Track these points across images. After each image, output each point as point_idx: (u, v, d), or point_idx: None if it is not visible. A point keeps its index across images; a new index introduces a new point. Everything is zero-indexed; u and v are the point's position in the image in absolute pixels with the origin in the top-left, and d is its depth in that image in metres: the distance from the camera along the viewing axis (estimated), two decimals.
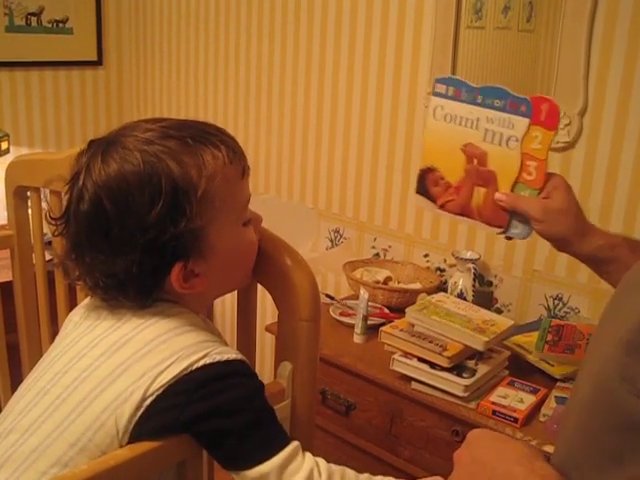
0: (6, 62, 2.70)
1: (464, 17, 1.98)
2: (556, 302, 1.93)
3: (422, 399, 1.64)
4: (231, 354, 0.92)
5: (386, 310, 1.99)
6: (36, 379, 0.94)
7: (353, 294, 2.12)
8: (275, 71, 2.47)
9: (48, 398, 0.90)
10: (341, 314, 2.00)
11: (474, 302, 1.87)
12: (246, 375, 0.93)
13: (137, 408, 0.85)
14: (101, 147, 0.91)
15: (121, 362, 0.88)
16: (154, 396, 0.86)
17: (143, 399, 0.85)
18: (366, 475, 0.96)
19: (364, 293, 1.86)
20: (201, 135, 0.93)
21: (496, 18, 1.97)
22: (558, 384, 1.63)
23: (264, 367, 2.51)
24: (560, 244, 1.17)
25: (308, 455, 0.92)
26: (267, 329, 1.95)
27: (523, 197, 1.17)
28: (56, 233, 0.95)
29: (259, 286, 1.07)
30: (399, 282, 2.13)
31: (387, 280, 2.10)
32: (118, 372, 0.87)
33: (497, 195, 1.19)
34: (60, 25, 2.82)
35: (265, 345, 2.47)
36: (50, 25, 2.79)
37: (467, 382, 1.57)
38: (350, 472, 0.96)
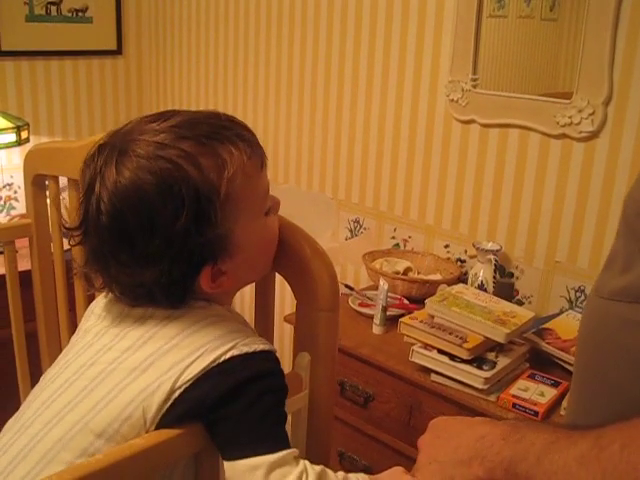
0: (26, 51, 2.71)
1: (486, 6, 1.95)
2: (578, 294, 1.91)
3: (441, 391, 1.63)
4: (259, 344, 0.90)
5: (405, 301, 1.97)
6: (59, 371, 0.93)
7: (372, 285, 2.11)
8: (295, 61, 2.45)
9: (72, 390, 0.89)
10: (360, 305, 1.98)
11: (494, 293, 1.85)
12: (270, 365, 0.92)
13: (165, 400, 0.85)
14: (113, 154, 0.87)
15: (148, 355, 0.87)
16: (182, 389, 0.85)
17: (172, 391, 0.85)
18: (342, 474, 0.92)
19: (384, 284, 1.85)
20: (216, 131, 0.89)
21: (519, 7, 1.94)
22: None
23: (283, 357, 2.48)
24: None
25: (302, 463, 0.89)
26: (286, 319, 1.94)
27: None
28: (72, 243, 0.92)
29: (278, 276, 1.06)
30: (419, 273, 2.11)
31: (407, 271, 2.08)
32: (145, 365, 0.87)
33: None
34: (80, 14, 2.82)
35: (284, 335, 2.47)
36: (70, 14, 2.79)
37: (487, 374, 1.55)
38: (330, 474, 0.91)
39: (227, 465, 0.86)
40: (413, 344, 1.68)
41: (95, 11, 2.85)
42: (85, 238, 0.90)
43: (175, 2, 2.87)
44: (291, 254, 0.99)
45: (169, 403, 0.85)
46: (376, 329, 1.85)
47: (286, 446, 0.87)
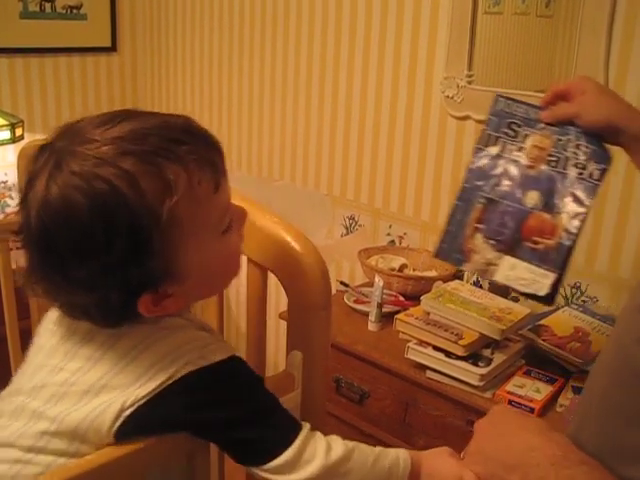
0: (20, 48, 2.70)
1: (482, 2, 1.94)
2: (574, 291, 1.90)
3: (437, 388, 1.62)
4: (216, 354, 0.85)
5: (401, 298, 1.97)
6: (17, 391, 0.89)
7: (368, 282, 2.10)
8: (290, 58, 2.45)
9: (26, 413, 0.85)
10: (356, 302, 1.98)
11: (490, 290, 1.84)
12: (233, 376, 0.87)
13: (115, 419, 0.81)
14: (48, 163, 0.78)
15: (99, 377, 0.83)
16: (134, 407, 0.81)
17: (122, 410, 0.81)
18: (379, 448, 0.93)
19: (379, 281, 1.85)
20: (165, 147, 0.78)
21: (514, 3, 1.94)
22: (575, 374, 1.61)
23: (278, 356, 2.50)
24: (611, 130, 1.13)
25: (319, 439, 0.89)
26: (281, 316, 1.93)
27: (562, 105, 1.19)
28: (18, 246, 0.84)
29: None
30: (414, 270, 2.11)
31: (402, 267, 2.08)
32: (97, 388, 0.83)
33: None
34: (74, 11, 2.81)
35: (280, 333, 2.46)
36: (64, 11, 2.78)
37: (483, 371, 1.55)
38: (364, 447, 0.92)
39: (254, 469, 0.87)
40: (408, 341, 1.67)
41: (89, 8, 2.84)
42: (24, 246, 0.82)
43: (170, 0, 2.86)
44: (282, 251, 0.98)
45: (119, 421, 0.81)
46: (371, 326, 1.85)
47: (295, 429, 0.88)
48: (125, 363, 0.83)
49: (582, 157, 1.17)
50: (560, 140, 1.19)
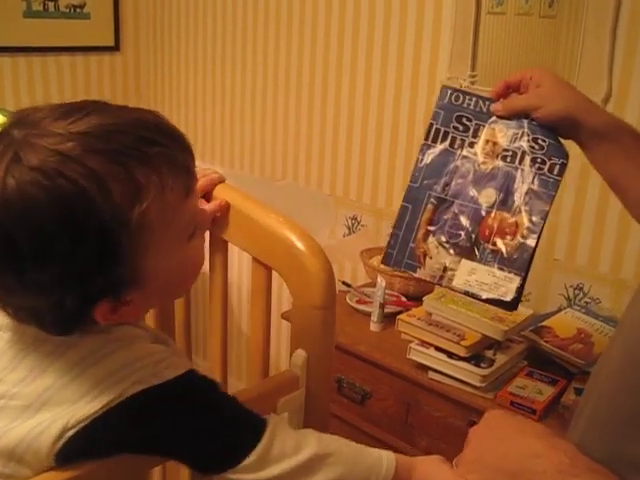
0: (23, 47, 2.69)
1: (485, 2, 1.94)
2: (576, 292, 1.90)
3: (439, 389, 1.62)
4: (170, 370, 0.80)
5: (403, 298, 1.97)
6: None
7: (370, 282, 2.10)
8: (293, 57, 2.44)
9: None
10: (358, 302, 1.98)
11: None
12: (187, 392, 0.82)
13: (57, 439, 0.75)
14: (7, 153, 0.71)
15: (42, 391, 0.77)
16: (77, 427, 0.75)
17: (64, 430, 0.75)
18: (362, 446, 0.90)
19: (381, 281, 1.84)
20: (137, 147, 0.72)
21: (517, 3, 1.93)
22: (577, 375, 1.61)
23: (280, 355, 2.50)
24: (569, 123, 1.08)
25: (288, 434, 0.85)
26: (283, 316, 1.93)
27: (516, 97, 1.13)
28: None
29: (274, 272, 1.06)
30: None
31: None
32: (38, 404, 0.76)
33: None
34: (77, 10, 2.80)
35: (282, 333, 2.46)
36: (67, 10, 2.78)
37: (485, 372, 1.55)
38: (343, 444, 0.89)
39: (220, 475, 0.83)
40: (410, 341, 1.67)
41: (92, 7, 2.84)
42: None
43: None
44: (286, 250, 0.98)
45: (61, 442, 0.75)
46: (373, 326, 1.85)
47: (260, 428, 0.83)
48: (71, 377, 0.77)
49: (540, 152, 1.10)
50: (515, 134, 1.12)
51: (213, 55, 2.74)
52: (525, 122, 1.11)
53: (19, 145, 0.70)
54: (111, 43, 2.93)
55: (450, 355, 1.59)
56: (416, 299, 1.90)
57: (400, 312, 1.81)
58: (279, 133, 2.56)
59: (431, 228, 1.11)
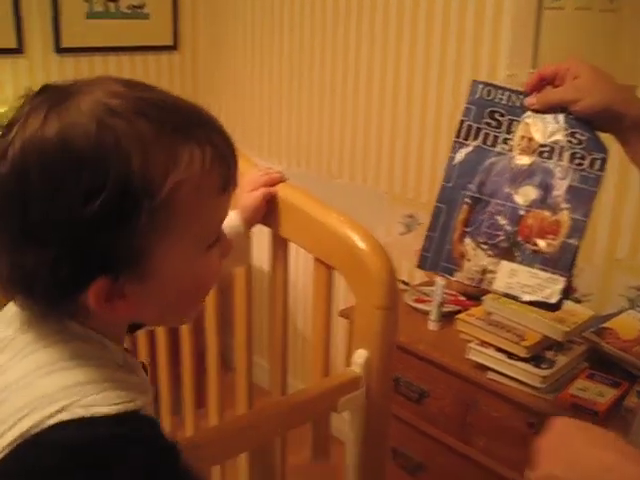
0: (86, 48, 2.75)
1: None
2: (638, 293, 1.86)
3: (498, 389, 1.60)
4: (110, 405, 0.66)
5: (461, 297, 1.95)
6: None
7: (427, 280, 2.09)
8: (351, 55, 2.44)
9: None
10: (416, 300, 1.97)
11: None
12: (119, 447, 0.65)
13: None
14: (51, 98, 0.68)
15: None
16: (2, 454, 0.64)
17: None
18: None
19: (440, 280, 1.83)
20: (185, 125, 0.70)
21: None
22: None
23: (337, 353, 2.49)
24: (608, 116, 1.03)
25: None
26: (341, 314, 1.94)
27: (551, 90, 1.07)
28: None
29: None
30: None
31: None
32: None
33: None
34: (137, 10, 2.86)
35: (338, 330, 2.46)
36: (128, 11, 2.83)
37: (545, 373, 1.53)
38: None
39: None
40: (469, 341, 1.66)
41: (152, 7, 2.89)
42: None
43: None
44: (348, 250, 0.99)
45: None
46: (432, 325, 1.84)
47: None
48: (19, 386, 0.68)
49: (578, 147, 1.05)
50: (551, 129, 1.07)
51: (270, 54, 2.75)
52: (562, 116, 1.06)
53: (72, 90, 0.69)
54: (170, 42, 2.98)
55: (510, 355, 1.58)
56: (474, 298, 1.88)
57: (458, 311, 1.80)
58: (336, 131, 2.56)
59: (467, 229, 1.08)
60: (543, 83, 1.08)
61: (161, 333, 1.48)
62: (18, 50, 2.60)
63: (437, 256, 1.09)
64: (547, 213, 1.04)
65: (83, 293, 0.68)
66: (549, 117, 1.07)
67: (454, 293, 1.96)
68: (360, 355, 0.99)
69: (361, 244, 0.97)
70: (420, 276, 2.23)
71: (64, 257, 0.66)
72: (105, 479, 0.63)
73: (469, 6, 2.08)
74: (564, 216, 1.04)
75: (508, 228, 1.05)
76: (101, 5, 2.75)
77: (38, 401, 0.65)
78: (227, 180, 0.73)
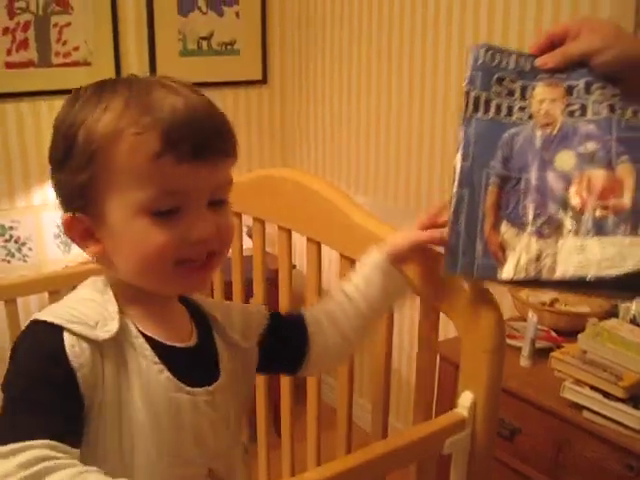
0: None
1: None
2: None
3: (594, 429, 1.58)
4: (47, 315, 0.82)
5: (553, 333, 1.93)
6: None
7: (517, 315, 2.07)
8: (439, 86, 2.46)
9: None
10: (507, 336, 1.95)
11: None
12: (30, 344, 0.81)
13: None
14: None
15: None
16: None
17: None
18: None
19: (532, 316, 1.82)
20: (146, 87, 0.83)
21: None
22: None
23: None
24: (634, 67, 0.92)
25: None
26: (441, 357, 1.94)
27: (570, 43, 0.94)
28: None
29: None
30: (566, 304, 2.06)
31: (553, 302, 2.04)
32: None
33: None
34: (228, 47, 2.95)
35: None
36: (219, 48, 2.93)
37: None
38: None
39: None
40: (564, 379, 1.64)
41: (242, 44, 2.98)
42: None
43: (318, 34, 2.95)
44: (455, 293, 1.00)
45: None
46: (524, 361, 1.83)
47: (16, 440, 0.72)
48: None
49: (615, 98, 0.92)
50: (574, 86, 0.93)
51: (358, 86, 2.79)
52: (584, 70, 0.93)
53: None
54: (259, 77, 3.06)
55: (606, 395, 1.55)
56: (566, 334, 1.86)
57: (550, 347, 1.79)
58: (424, 163, 2.57)
59: (500, 213, 0.91)
60: (553, 45, 0.96)
61: None
62: None
63: (469, 254, 0.91)
64: (599, 172, 0.90)
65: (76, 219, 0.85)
66: (569, 74, 0.94)
67: (546, 329, 1.94)
68: (466, 397, 1.00)
69: (467, 287, 0.98)
70: (510, 310, 2.21)
71: (54, 189, 0.87)
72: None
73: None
74: (624, 169, 0.89)
75: (555, 201, 0.90)
76: (194, 43, 2.86)
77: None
78: (169, 146, 0.79)
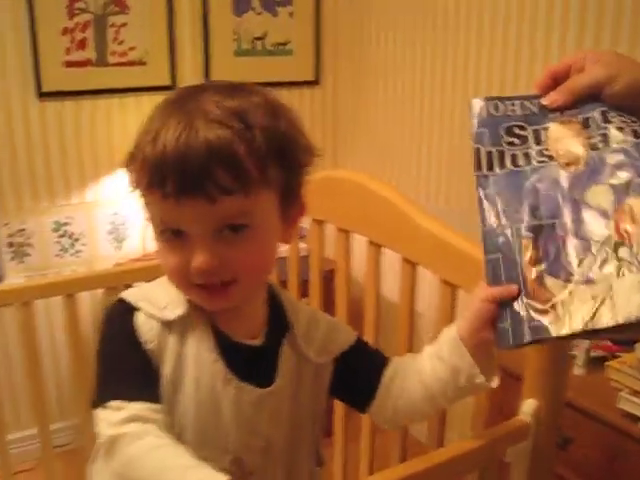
0: None
1: None
2: None
3: None
4: (127, 295, 0.93)
5: (608, 342, 1.90)
6: None
7: None
8: (493, 90, 2.44)
9: None
10: None
11: None
12: (110, 319, 0.93)
13: None
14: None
15: None
16: None
17: None
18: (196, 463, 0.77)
19: None
20: (170, 112, 0.86)
21: None
22: None
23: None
24: None
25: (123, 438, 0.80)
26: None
27: (576, 76, 0.89)
28: None
29: None
30: None
31: None
32: None
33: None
34: (281, 47, 2.96)
35: None
36: (273, 48, 2.94)
37: None
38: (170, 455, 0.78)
39: None
40: (620, 389, 1.62)
41: (295, 44, 2.99)
42: None
43: (372, 36, 2.94)
44: None
45: None
46: (578, 370, 1.80)
47: (102, 401, 0.83)
48: None
49: (635, 124, 0.87)
50: (589, 117, 0.89)
51: (412, 89, 2.78)
52: (596, 104, 0.89)
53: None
54: (312, 77, 3.07)
55: None
56: (622, 343, 1.83)
57: (605, 357, 1.76)
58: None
59: (542, 267, 0.84)
60: (556, 82, 0.92)
61: None
62: (170, 87, 2.73)
63: (518, 321, 0.84)
64: None
65: None
66: (580, 109, 0.90)
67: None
68: (529, 405, 0.99)
69: None
70: None
71: None
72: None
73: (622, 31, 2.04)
74: None
75: (599, 239, 0.83)
76: (248, 43, 2.88)
77: None
78: (154, 183, 0.81)
